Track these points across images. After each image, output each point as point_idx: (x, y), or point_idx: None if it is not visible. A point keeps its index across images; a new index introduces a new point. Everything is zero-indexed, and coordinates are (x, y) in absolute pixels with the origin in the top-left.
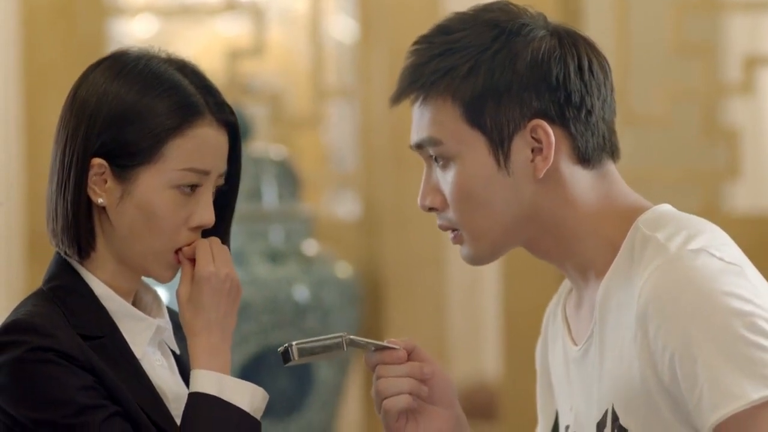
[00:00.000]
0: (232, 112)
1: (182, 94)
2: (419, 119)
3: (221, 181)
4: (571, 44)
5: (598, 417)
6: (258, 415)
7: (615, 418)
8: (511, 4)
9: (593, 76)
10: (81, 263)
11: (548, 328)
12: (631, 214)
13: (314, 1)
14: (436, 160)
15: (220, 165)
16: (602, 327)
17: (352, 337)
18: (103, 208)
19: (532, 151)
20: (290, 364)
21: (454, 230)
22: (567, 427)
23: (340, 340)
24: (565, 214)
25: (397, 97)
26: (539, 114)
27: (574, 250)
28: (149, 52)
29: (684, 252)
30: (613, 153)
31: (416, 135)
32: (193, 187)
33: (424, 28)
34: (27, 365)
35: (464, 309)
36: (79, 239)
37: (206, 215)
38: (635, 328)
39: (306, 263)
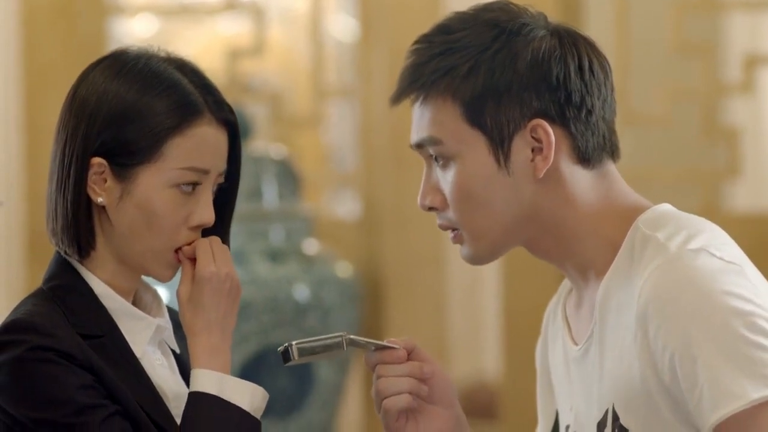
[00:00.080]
0: (231, 111)
1: (182, 93)
2: (419, 119)
3: (221, 180)
4: (572, 44)
5: (599, 417)
6: (258, 415)
7: (615, 417)
8: (512, 3)
9: (593, 75)
10: (81, 262)
11: (548, 327)
12: (631, 214)
13: (314, 1)
14: (436, 159)
15: (219, 164)
16: (602, 327)
17: (352, 336)
18: (103, 207)
19: (532, 150)
20: (290, 363)
21: (454, 230)
22: (567, 427)
23: (340, 339)
24: (565, 213)
25: (398, 97)
26: (539, 114)
27: (574, 250)
28: (149, 51)
29: (684, 251)
30: (613, 153)
31: (416, 134)
32: (193, 187)
33: (425, 27)
34: (27, 364)
35: (464, 309)
36: (79, 238)
37: (206, 214)
38: (635, 328)
39: (306, 263)
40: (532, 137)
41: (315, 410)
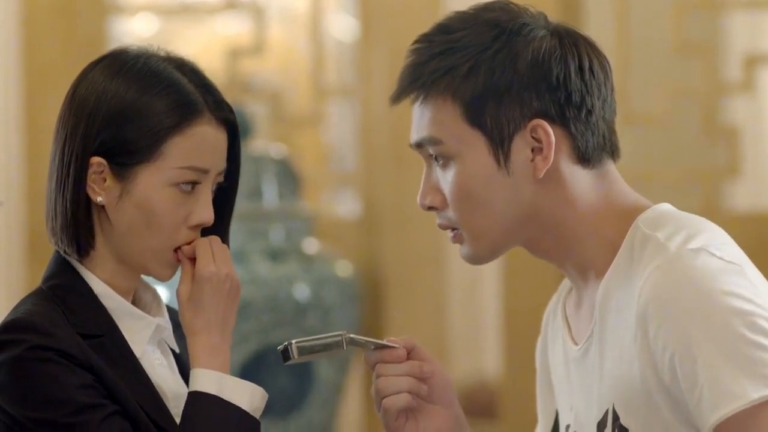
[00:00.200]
0: (231, 111)
1: (181, 92)
2: (419, 118)
3: (220, 179)
4: (572, 44)
5: (599, 417)
6: (257, 415)
7: (615, 417)
8: (512, 3)
9: (594, 75)
10: (80, 262)
11: (548, 327)
12: (631, 214)
13: (314, 0)
14: (436, 159)
15: (219, 163)
16: (602, 327)
17: (351, 335)
18: (103, 206)
19: (532, 150)
20: (290, 362)
21: (453, 229)
22: (567, 427)
23: (339, 338)
24: (565, 213)
25: (398, 96)
26: (539, 114)
27: (574, 250)
28: (148, 50)
29: (684, 251)
30: (613, 153)
31: (416, 134)
32: (193, 186)
33: (425, 27)
34: (26, 364)
35: (464, 308)
36: (79, 238)
37: (205, 214)
38: (635, 328)
39: (306, 262)
40: (532, 137)
41: (315, 409)
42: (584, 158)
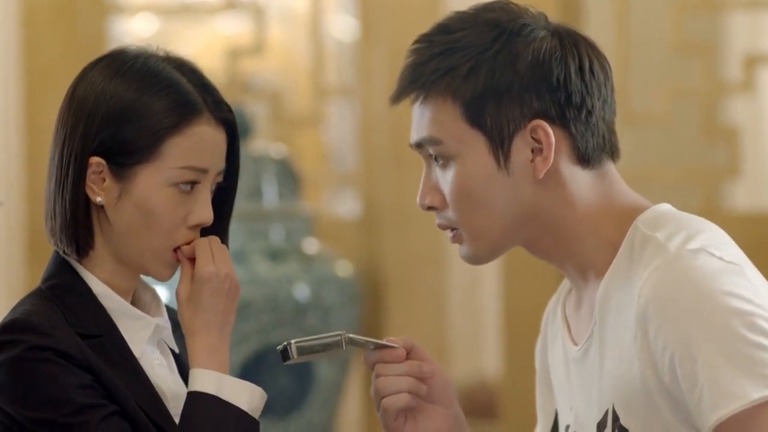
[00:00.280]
0: (230, 110)
1: (180, 92)
2: (419, 118)
3: (220, 179)
4: (572, 45)
5: (599, 417)
6: (256, 415)
7: (615, 418)
8: (512, 3)
9: (594, 76)
10: (79, 262)
11: (547, 327)
12: (631, 214)
13: (314, 0)
14: (435, 159)
15: (218, 163)
16: (602, 327)
17: (351, 335)
18: (102, 206)
19: (532, 151)
20: (289, 362)
21: (453, 229)
22: (567, 427)
23: (339, 338)
24: (564, 214)
25: (397, 96)
26: (540, 114)
27: (573, 250)
28: (147, 50)
29: (683, 252)
30: (613, 153)
31: (416, 134)
32: (192, 186)
33: (425, 27)
34: (25, 364)
35: (464, 308)
36: (78, 238)
37: (204, 213)
38: (635, 328)
39: (306, 262)
40: (532, 138)
41: (315, 410)
42: (584, 159)
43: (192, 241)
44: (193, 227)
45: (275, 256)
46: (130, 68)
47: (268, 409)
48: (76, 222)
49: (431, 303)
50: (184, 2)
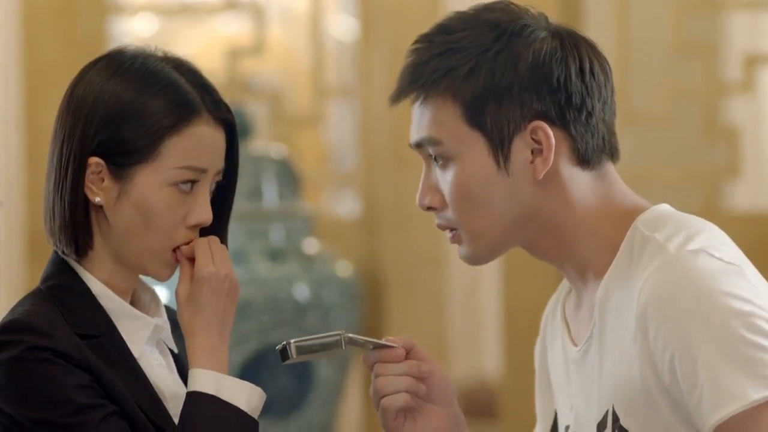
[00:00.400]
0: (228, 110)
1: (179, 92)
2: (419, 118)
3: (219, 179)
4: (573, 46)
5: (599, 418)
6: (255, 415)
7: (615, 418)
8: (513, 4)
9: (594, 77)
10: (78, 262)
11: (547, 328)
12: (630, 215)
13: (314, 0)
14: (435, 159)
15: (217, 163)
16: (602, 327)
17: (350, 335)
18: (101, 206)
19: (532, 152)
20: (288, 362)
21: (452, 230)
22: (567, 428)
23: (338, 338)
24: (564, 214)
25: (397, 96)
26: (540, 115)
27: (573, 251)
28: (146, 50)
29: (683, 252)
30: (613, 154)
31: (416, 134)
32: (191, 186)
33: (425, 27)
34: (24, 364)
35: (464, 308)
36: (77, 238)
37: (204, 213)
38: (635, 329)
39: (306, 262)
40: (532, 139)
41: (315, 410)
42: (584, 160)
43: (191, 241)
44: (193, 227)
45: (275, 256)
46: (128, 68)
47: (268, 409)
48: (75, 222)
49: (431, 303)
50: (184, 2)
